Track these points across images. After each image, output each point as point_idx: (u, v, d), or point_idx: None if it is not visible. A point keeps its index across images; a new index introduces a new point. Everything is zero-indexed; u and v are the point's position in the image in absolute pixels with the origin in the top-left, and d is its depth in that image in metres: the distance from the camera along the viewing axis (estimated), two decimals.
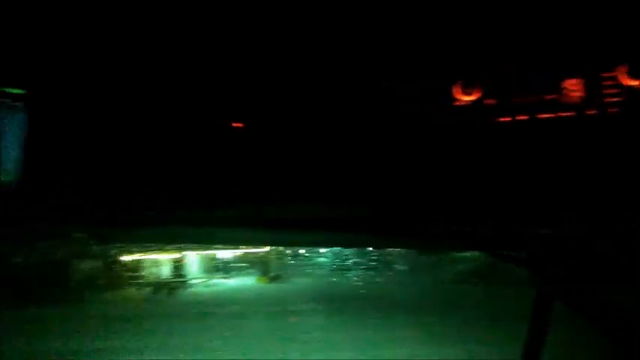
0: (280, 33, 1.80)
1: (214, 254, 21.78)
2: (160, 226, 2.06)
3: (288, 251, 23.46)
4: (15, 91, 1.47)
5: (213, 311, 13.04)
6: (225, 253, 22.20)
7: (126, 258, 18.51)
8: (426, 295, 14.85)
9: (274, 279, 20.12)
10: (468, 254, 18.41)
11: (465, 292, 15.09)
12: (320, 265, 23.56)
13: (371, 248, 21.83)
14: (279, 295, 16.33)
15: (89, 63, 1.70)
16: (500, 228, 2.31)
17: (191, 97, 1.83)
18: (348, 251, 23.42)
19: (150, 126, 1.76)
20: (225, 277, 21.03)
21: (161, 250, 18.76)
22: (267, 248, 21.96)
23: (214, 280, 20.33)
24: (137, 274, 18.96)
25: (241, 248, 20.96)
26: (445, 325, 9.86)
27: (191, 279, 20.03)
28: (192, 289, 18.74)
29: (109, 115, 1.72)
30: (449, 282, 17.29)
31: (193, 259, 21.04)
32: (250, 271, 21.66)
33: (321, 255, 24.91)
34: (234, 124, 1.94)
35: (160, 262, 19.93)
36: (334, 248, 23.49)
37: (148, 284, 18.31)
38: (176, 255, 19.99)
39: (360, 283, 18.81)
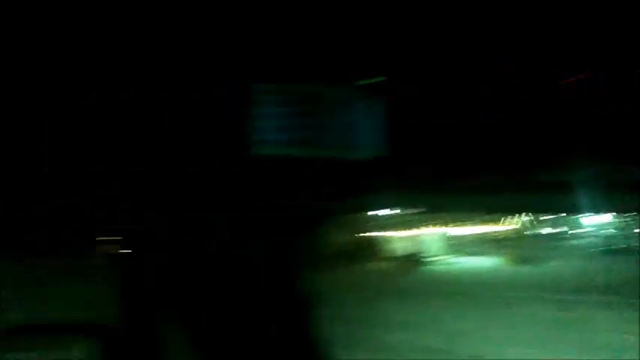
0: None
1: (455, 232, 21.17)
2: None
3: (542, 230, 20.87)
4: (371, 80, 1.74)
5: (455, 291, 12.08)
6: (467, 230, 21.43)
7: (371, 233, 19.22)
8: None
9: (526, 261, 17.93)
10: None
11: None
12: (583, 247, 20.21)
13: None
14: (535, 280, 14.09)
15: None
16: None
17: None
18: (619, 232, 19.60)
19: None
20: (468, 256, 19.93)
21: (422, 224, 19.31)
22: (514, 226, 20.33)
23: (456, 259, 19.55)
24: (380, 248, 19.53)
25: (503, 225, 20.17)
26: None
27: (431, 256, 19.71)
28: (433, 267, 18.41)
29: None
30: None
31: (434, 236, 20.60)
32: (496, 250, 20.02)
33: (584, 235, 21.45)
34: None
35: (401, 238, 20.12)
36: (603, 228, 20.04)
37: (390, 259, 18.65)
38: (416, 232, 19.92)
39: None
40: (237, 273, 1.80)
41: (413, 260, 18.79)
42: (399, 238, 20.17)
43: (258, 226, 1.76)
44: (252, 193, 1.67)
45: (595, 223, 19.97)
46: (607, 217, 18.88)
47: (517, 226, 20.22)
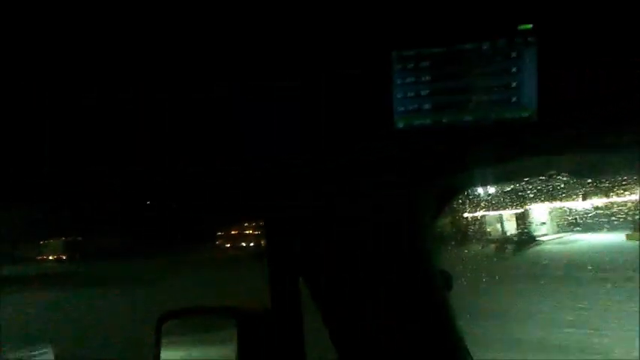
0: None
1: (569, 206, 19.47)
2: None
3: None
4: (524, 27, 1.50)
5: (569, 275, 11.17)
6: (584, 204, 19.57)
7: (471, 214, 18.45)
8: None
9: None
10: None
11: None
12: None
13: None
14: None
15: None
16: None
17: None
18: None
19: None
20: (584, 233, 18.08)
21: (507, 205, 18.17)
22: (637, 196, 18.15)
23: (570, 237, 17.75)
24: (482, 229, 18.18)
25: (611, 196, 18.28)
26: None
27: (541, 235, 18.22)
28: (542, 247, 17.06)
29: None
30: None
31: (542, 213, 18.91)
32: (618, 225, 18.08)
33: None
34: None
35: (505, 217, 18.67)
36: None
37: (493, 241, 17.49)
38: (521, 210, 18.40)
39: None
40: (372, 259, 1.82)
41: (525, 240, 17.65)
42: (510, 216, 18.73)
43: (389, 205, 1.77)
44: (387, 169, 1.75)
45: None
46: None
47: None
